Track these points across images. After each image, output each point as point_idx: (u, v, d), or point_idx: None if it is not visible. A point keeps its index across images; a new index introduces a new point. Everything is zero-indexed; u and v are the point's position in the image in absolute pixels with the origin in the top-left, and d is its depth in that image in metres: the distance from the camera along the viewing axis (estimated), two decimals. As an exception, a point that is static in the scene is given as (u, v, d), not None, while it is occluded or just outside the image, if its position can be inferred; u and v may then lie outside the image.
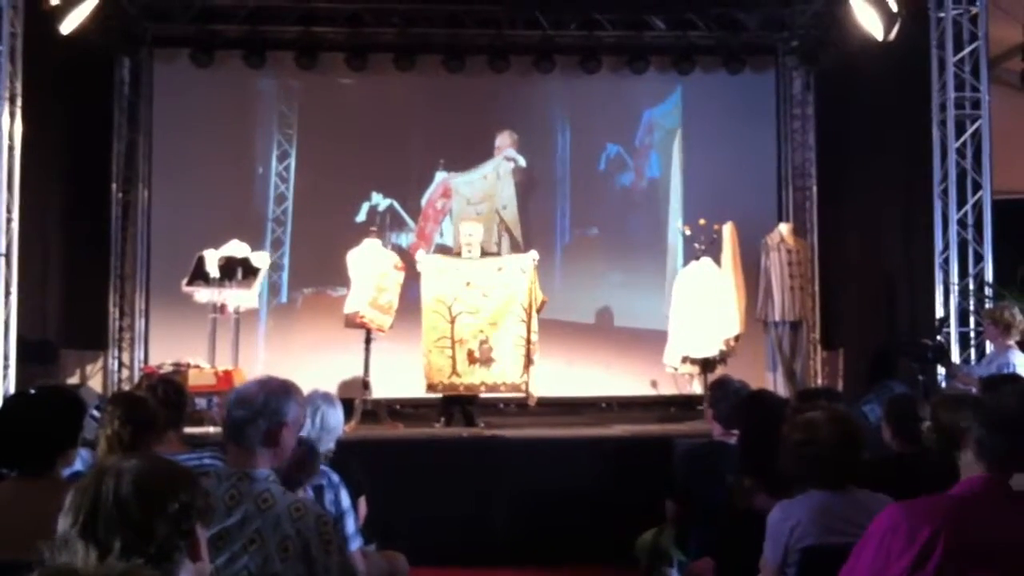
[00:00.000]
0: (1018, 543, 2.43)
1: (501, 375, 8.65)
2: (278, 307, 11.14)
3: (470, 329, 8.62)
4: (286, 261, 11.13)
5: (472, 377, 8.64)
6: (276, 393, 2.99)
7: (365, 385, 8.85)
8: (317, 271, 10.10)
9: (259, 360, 10.55)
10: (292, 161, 11.25)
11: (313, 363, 9.78)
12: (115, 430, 3.94)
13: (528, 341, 8.63)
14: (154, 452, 3.87)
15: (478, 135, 11.48)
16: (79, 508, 1.81)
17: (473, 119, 11.51)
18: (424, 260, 8.91)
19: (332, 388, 8.94)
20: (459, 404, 8.87)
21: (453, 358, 8.60)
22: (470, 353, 8.61)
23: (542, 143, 11.59)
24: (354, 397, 8.67)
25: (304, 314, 10.98)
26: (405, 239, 11.26)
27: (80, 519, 1.79)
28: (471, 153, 11.41)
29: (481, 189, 11.32)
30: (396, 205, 11.24)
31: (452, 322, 8.60)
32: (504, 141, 11.44)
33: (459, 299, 8.63)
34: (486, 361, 8.61)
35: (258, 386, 2.99)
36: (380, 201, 11.20)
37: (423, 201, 11.34)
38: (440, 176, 11.32)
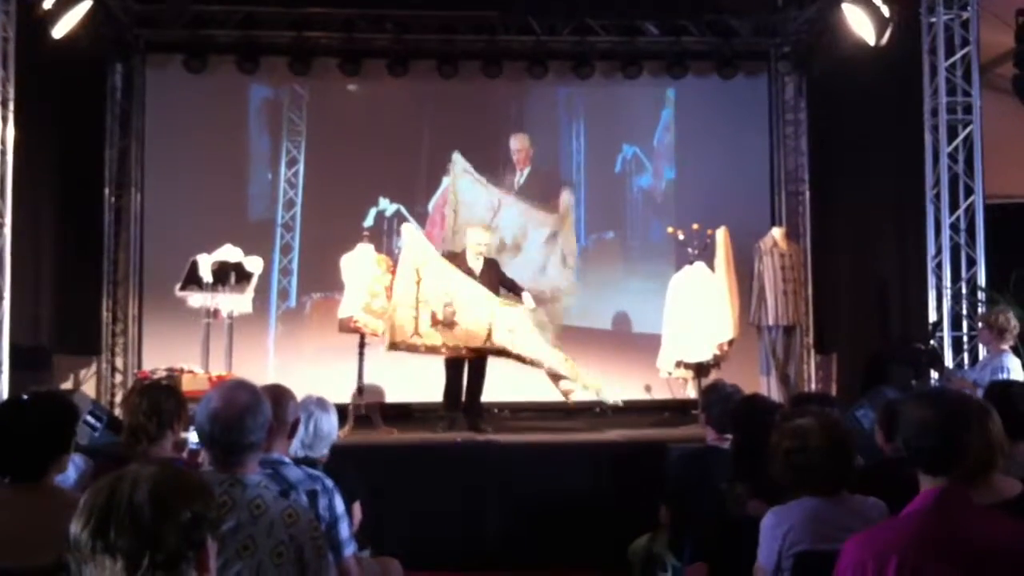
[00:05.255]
0: (984, 551, 2.43)
1: (464, 338, 8.48)
2: (287, 312, 11.18)
3: (435, 292, 8.46)
4: (295, 266, 11.18)
5: (433, 339, 8.47)
6: (258, 409, 2.96)
7: (359, 390, 8.84)
8: (326, 276, 10.11)
9: (269, 365, 10.69)
10: (301, 167, 11.29)
11: (322, 367, 9.82)
12: (140, 422, 4.02)
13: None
14: (171, 461, 3.91)
15: (486, 140, 11.47)
16: (92, 510, 1.81)
17: (479, 124, 11.55)
18: (412, 236, 8.80)
19: (333, 392, 8.99)
20: (463, 410, 8.84)
21: (416, 318, 8.41)
22: (433, 315, 8.45)
23: (553, 146, 11.63)
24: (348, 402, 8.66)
25: (313, 319, 11.03)
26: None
27: (92, 522, 1.80)
28: (479, 158, 11.35)
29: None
30: (403, 210, 11.25)
31: (418, 283, 8.44)
32: (518, 144, 11.46)
33: (429, 264, 8.53)
34: (449, 324, 8.46)
35: (242, 406, 2.94)
36: (387, 206, 11.24)
37: (430, 207, 11.36)
38: (447, 181, 11.32)
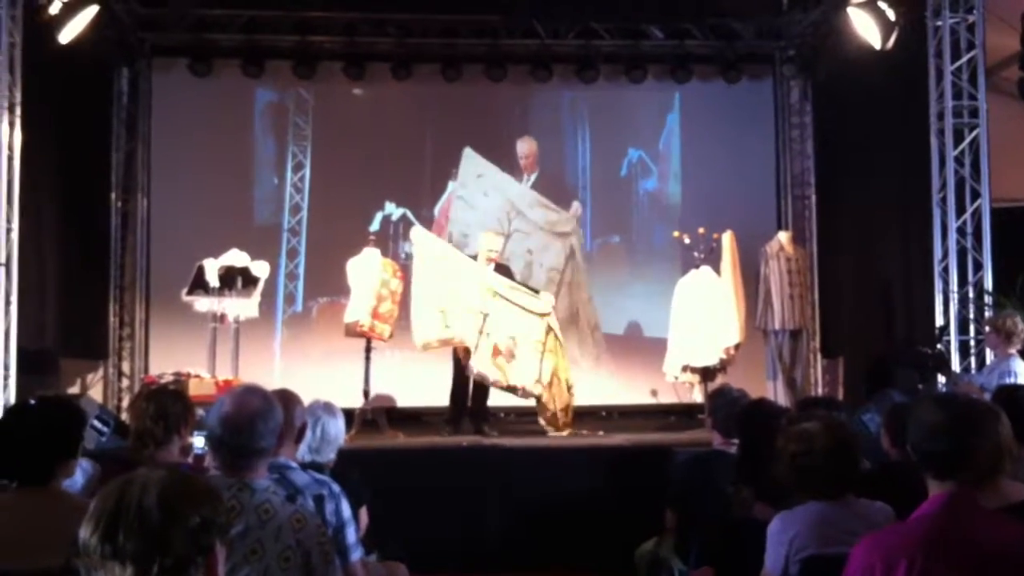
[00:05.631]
0: (993, 555, 2.43)
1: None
2: (293, 316, 11.20)
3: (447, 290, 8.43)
4: (301, 271, 11.20)
5: (464, 331, 8.42)
6: (269, 415, 2.97)
7: (365, 394, 8.85)
8: (332, 280, 10.14)
9: (275, 369, 10.69)
10: (307, 172, 11.31)
11: (328, 371, 9.82)
12: (147, 427, 4.03)
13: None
14: (177, 465, 3.92)
15: (490, 143, 11.47)
16: (101, 514, 1.82)
17: (483, 128, 11.55)
18: (422, 236, 8.78)
19: (340, 397, 8.98)
20: (468, 413, 8.83)
21: (443, 311, 8.36)
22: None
23: (558, 151, 11.64)
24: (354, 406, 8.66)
25: (319, 323, 11.04)
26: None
27: (101, 526, 1.80)
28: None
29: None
30: (409, 215, 11.24)
31: (436, 280, 8.41)
32: (525, 149, 11.45)
33: (442, 262, 8.49)
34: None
35: (254, 411, 2.95)
36: (393, 211, 11.24)
37: (436, 211, 11.36)
38: (452, 186, 11.33)
